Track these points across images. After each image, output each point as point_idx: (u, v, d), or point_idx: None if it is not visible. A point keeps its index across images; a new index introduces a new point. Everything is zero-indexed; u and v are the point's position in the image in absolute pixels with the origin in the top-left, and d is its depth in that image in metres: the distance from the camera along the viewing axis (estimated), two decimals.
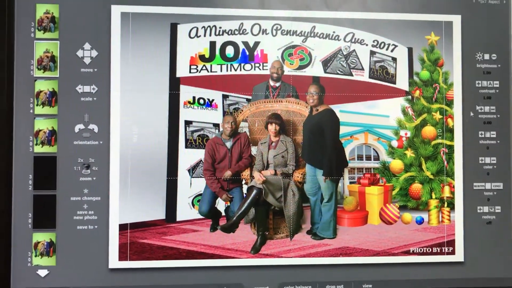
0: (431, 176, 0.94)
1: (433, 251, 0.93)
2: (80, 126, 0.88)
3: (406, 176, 0.94)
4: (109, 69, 0.88)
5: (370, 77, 0.94)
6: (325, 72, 0.93)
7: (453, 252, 0.93)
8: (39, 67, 0.88)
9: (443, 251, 0.93)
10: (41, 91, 0.87)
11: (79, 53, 0.88)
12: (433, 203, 0.94)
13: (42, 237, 0.86)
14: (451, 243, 0.93)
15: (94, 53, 0.88)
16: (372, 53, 0.94)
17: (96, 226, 0.87)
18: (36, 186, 0.86)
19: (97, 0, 0.89)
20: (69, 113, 0.87)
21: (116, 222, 0.87)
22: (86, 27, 0.88)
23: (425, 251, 0.92)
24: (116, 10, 0.89)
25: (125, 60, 0.89)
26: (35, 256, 0.86)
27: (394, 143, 0.94)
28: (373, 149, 0.94)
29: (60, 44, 0.88)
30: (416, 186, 0.94)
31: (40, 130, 0.87)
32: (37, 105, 0.87)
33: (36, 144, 0.87)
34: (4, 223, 0.86)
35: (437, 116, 0.94)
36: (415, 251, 0.92)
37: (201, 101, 0.91)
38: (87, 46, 0.88)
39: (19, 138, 0.87)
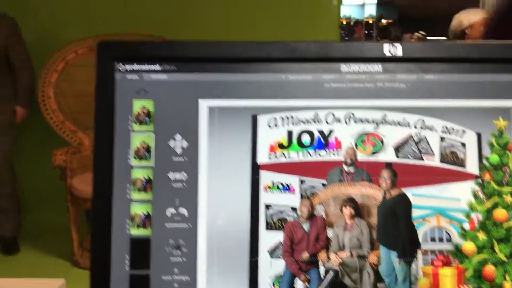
0: (505, 259, 0.96)
1: None
2: (172, 210, 0.96)
3: (479, 258, 0.97)
4: (197, 157, 0.97)
5: (440, 161, 0.98)
6: (397, 157, 0.98)
7: None
8: (135, 156, 0.98)
9: None
10: (137, 179, 0.97)
11: (171, 143, 0.98)
12: (508, 286, 0.95)
13: None
14: None
15: (185, 143, 0.98)
16: (442, 138, 0.99)
17: None
18: (132, 266, 0.95)
19: (187, 95, 0.99)
20: (162, 198, 0.97)
21: None
22: (177, 120, 0.98)
23: None
24: (203, 104, 0.98)
25: (212, 149, 0.98)
26: None
27: (466, 226, 0.97)
28: (445, 231, 0.97)
29: (154, 136, 0.98)
30: (490, 268, 0.96)
31: (136, 214, 0.96)
32: (133, 191, 0.97)
33: (132, 227, 0.96)
34: None
35: (509, 199, 0.97)
36: None
37: (280, 186, 0.98)
38: (178, 137, 0.98)
39: (117, 222, 0.96)
